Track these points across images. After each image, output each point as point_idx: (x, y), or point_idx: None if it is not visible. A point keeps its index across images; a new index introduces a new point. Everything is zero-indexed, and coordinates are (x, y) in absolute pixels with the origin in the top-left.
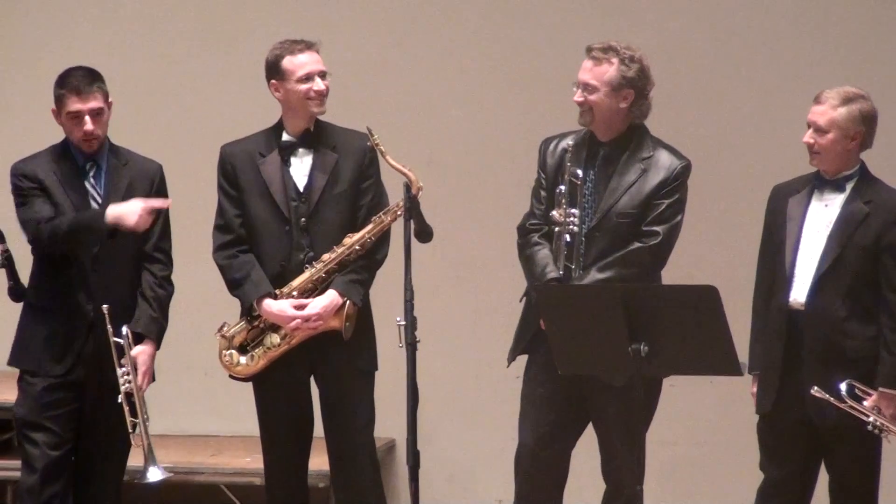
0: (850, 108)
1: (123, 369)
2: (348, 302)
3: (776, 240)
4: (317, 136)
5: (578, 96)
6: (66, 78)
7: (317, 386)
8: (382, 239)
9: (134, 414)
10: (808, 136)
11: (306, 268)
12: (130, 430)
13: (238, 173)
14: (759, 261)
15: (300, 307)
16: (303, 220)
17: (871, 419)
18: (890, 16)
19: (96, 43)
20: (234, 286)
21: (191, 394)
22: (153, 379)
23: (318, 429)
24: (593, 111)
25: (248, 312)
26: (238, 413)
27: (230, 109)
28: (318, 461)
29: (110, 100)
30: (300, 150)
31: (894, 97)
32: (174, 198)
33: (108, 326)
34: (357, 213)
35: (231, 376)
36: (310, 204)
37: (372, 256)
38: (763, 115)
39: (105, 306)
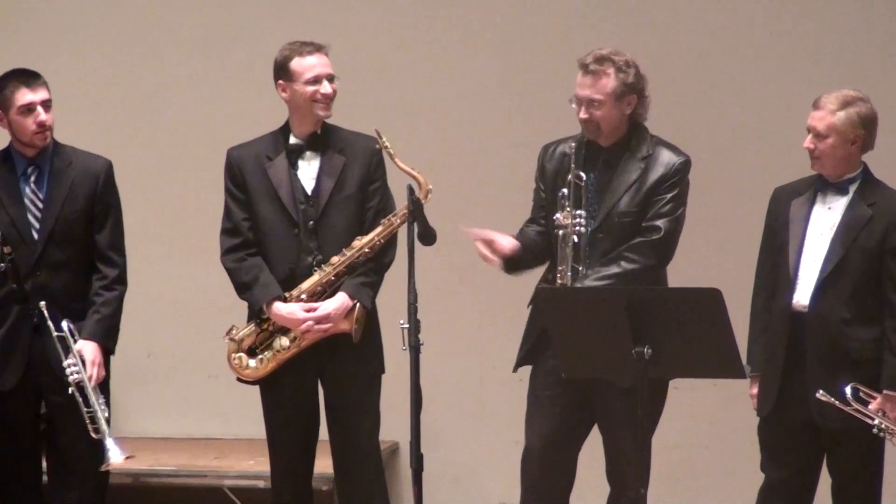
0: (849, 111)
1: (70, 361)
2: (358, 304)
3: (778, 242)
4: (324, 139)
5: (583, 113)
6: (7, 77)
7: (323, 389)
8: (389, 242)
9: (87, 404)
10: (809, 142)
11: (315, 271)
12: (87, 422)
13: (246, 177)
14: (759, 262)
15: (310, 310)
16: (311, 223)
17: (876, 422)
18: (890, 17)
19: (100, 45)
20: (243, 289)
21: (194, 397)
22: (106, 374)
23: (322, 431)
24: (601, 125)
25: (258, 316)
26: (242, 416)
27: (235, 112)
28: (323, 464)
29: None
30: (307, 153)
31: (895, 98)
32: (179, 200)
33: (49, 322)
34: (364, 215)
35: (239, 379)
36: (318, 207)
37: (380, 259)
38: (765, 116)
39: (42, 302)
